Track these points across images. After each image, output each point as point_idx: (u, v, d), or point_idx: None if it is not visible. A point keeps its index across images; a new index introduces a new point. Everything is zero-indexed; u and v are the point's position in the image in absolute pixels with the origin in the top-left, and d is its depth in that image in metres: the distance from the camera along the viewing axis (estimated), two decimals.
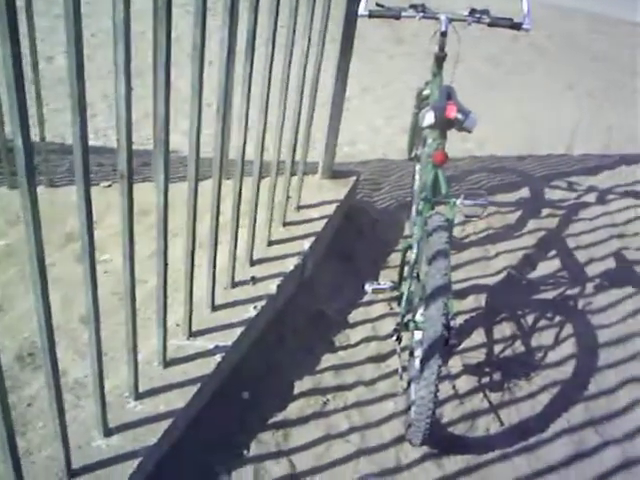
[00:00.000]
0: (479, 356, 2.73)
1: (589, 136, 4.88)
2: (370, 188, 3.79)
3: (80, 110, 1.38)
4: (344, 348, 2.67)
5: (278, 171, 2.71)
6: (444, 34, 2.79)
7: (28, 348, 2.28)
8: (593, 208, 3.89)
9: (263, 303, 2.49)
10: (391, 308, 2.89)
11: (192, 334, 2.26)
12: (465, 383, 2.60)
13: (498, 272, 3.25)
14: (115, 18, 1.41)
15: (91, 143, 3.68)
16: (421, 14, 2.82)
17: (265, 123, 2.38)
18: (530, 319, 2.98)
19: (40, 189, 3.01)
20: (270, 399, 2.37)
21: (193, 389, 2.06)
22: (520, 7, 2.78)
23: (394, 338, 2.42)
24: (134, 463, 1.82)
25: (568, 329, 2.95)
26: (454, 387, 2.58)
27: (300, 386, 2.45)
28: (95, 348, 1.73)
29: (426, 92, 3.09)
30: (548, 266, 3.35)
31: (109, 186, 3.10)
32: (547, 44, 6.62)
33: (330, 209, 3.12)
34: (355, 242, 3.29)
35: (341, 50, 3.07)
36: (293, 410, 2.35)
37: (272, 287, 2.58)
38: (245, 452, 2.17)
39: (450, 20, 2.78)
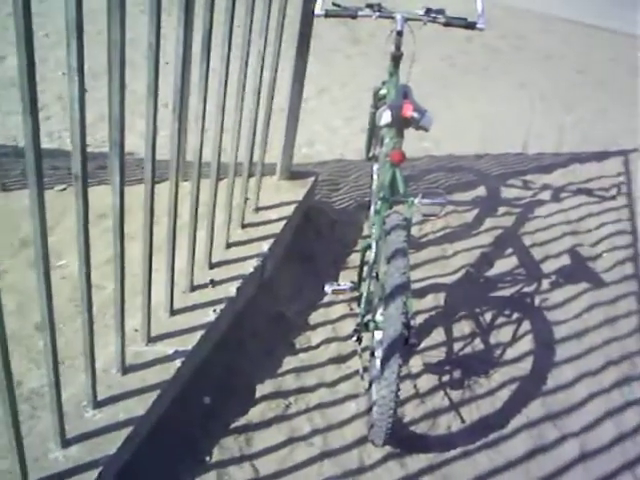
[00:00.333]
0: (439, 355, 2.75)
1: (543, 135, 4.95)
2: (329, 189, 3.79)
3: (31, 111, 1.34)
4: (305, 350, 2.66)
5: (236, 172, 2.69)
6: (400, 33, 2.81)
7: None
8: (548, 206, 3.95)
9: (222, 306, 2.47)
10: (351, 309, 2.89)
11: (151, 339, 2.23)
12: (426, 382, 2.62)
13: (456, 271, 3.28)
14: (67, 17, 1.38)
15: (45, 146, 3.65)
16: (377, 13, 2.82)
17: (222, 124, 2.36)
18: (488, 316, 3.01)
19: None
20: (232, 403, 2.35)
21: (153, 395, 2.03)
22: (474, 7, 2.80)
23: (354, 339, 2.43)
24: (93, 474, 1.79)
25: (525, 325, 2.99)
26: (415, 386, 2.59)
27: (262, 389, 2.44)
28: (51, 356, 1.69)
29: (383, 91, 3.10)
30: (505, 264, 3.40)
31: (64, 189, 3.04)
32: (500, 44, 6.70)
33: (289, 210, 3.11)
34: (314, 243, 3.29)
35: (298, 50, 3.06)
36: (255, 414, 2.34)
37: (231, 290, 2.56)
38: (208, 458, 2.15)
39: (406, 19, 2.79)
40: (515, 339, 2.91)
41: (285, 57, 2.97)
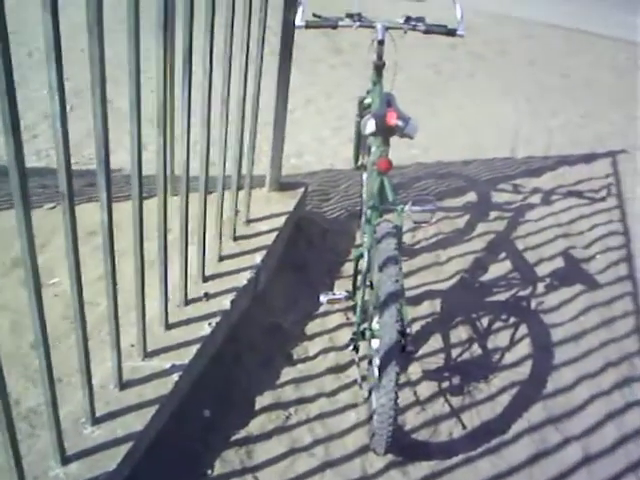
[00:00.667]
0: (438, 361, 2.74)
1: (530, 139, 4.98)
2: (319, 199, 3.78)
3: (13, 130, 1.33)
4: (303, 361, 2.64)
5: (225, 185, 2.68)
6: (381, 42, 2.81)
7: None
8: (539, 209, 3.96)
9: (217, 319, 2.45)
10: (347, 318, 2.87)
11: (147, 354, 2.21)
12: (425, 389, 2.60)
13: (451, 277, 3.27)
14: (45, 36, 1.36)
15: (33, 165, 3.64)
16: (357, 23, 2.83)
17: (208, 137, 2.35)
18: (485, 321, 3.00)
19: None
20: (231, 416, 2.33)
21: (151, 410, 2.01)
22: (454, 15, 2.81)
23: (350, 348, 2.41)
24: None
25: (523, 329, 2.98)
26: (415, 394, 2.57)
27: (261, 401, 2.41)
28: (46, 374, 1.67)
29: (368, 101, 3.10)
30: (499, 268, 3.39)
31: (53, 208, 3.02)
32: (484, 51, 6.74)
33: (280, 221, 3.10)
34: (307, 253, 3.27)
35: (280, 61, 3.06)
36: (255, 426, 2.31)
37: (226, 303, 2.54)
38: (209, 471, 2.12)
39: (386, 28, 2.80)
40: (513, 343, 2.90)
41: (269, 69, 2.97)
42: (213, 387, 2.41)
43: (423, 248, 3.46)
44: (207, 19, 2.16)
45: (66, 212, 1.60)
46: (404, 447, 2.33)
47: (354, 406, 2.47)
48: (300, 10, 2.79)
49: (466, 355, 2.80)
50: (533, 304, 3.16)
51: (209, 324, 2.41)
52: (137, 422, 1.97)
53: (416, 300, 3.04)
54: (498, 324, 3.00)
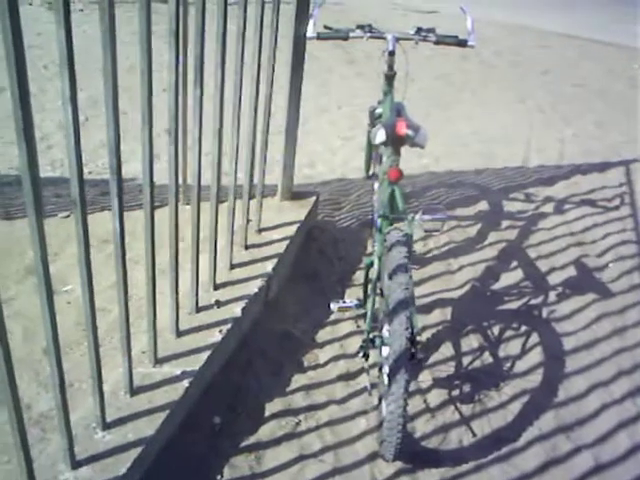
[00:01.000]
0: (448, 369, 2.74)
1: (543, 148, 4.97)
2: (331, 208, 3.80)
3: (27, 139, 1.35)
4: (313, 368, 2.65)
5: (236, 194, 2.70)
6: (392, 53, 2.83)
7: None
8: (551, 218, 3.95)
9: (228, 326, 2.46)
10: (358, 326, 2.88)
11: (158, 361, 2.23)
12: (436, 397, 2.60)
13: (462, 285, 3.27)
14: (59, 47, 1.40)
15: (48, 174, 3.69)
16: (368, 34, 2.85)
17: (220, 147, 2.37)
18: (496, 330, 3.00)
19: None
20: (241, 422, 2.34)
21: (162, 416, 2.02)
22: (465, 25, 2.83)
23: (360, 355, 2.42)
24: None
25: (534, 338, 2.97)
26: (425, 401, 2.57)
27: (271, 408, 2.42)
28: (58, 380, 1.69)
29: (379, 110, 3.12)
30: (511, 277, 3.39)
31: (67, 216, 3.05)
32: (496, 61, 6.75)
33: (291, 230, 3.12)
34: (319, 262, 3.29)
35: (292, 72, 3.09)
36: (265, 432, 2.32)
37: (237, 310, 2.55)
38: (219, 477, 2.13)
39: (397, 39, 2.82)
40: (524, 352, 2.89)
41: (282, 79, 3.00)
42: (223, 394, 2.43)
43: (434, 257, 3.47)
44: (219, 29, 2.19)
45: (78, 219, 1.62)
46: (414, 454, 2.33)
47: (364, 413, 2.47)
48: (312, 22, 2.82)
49: (477, 363, 2.79)
50: (545, 313, 3.15)
51: (220, 331, 2.43)
52: (147, 427, 1.98)
53: (427, 308, 3.05)
54: (509, 332, 2.99)
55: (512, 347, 2.91)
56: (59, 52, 1.41)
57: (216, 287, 2.65)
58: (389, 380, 2.13)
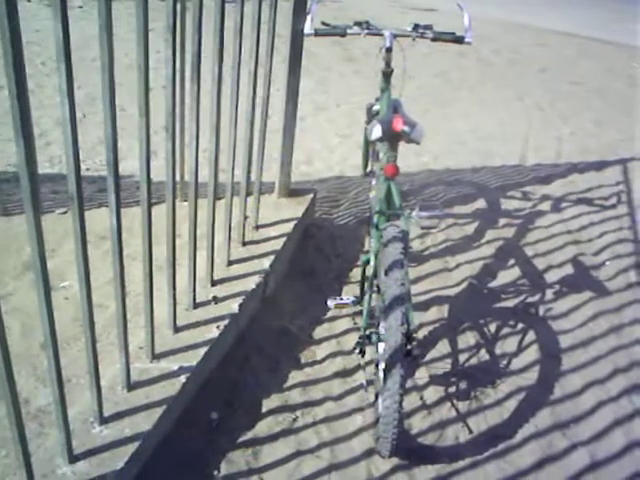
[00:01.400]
0: (445, 366, 2.74)
1: (540, 147, 4.98)
2: (329, 205, 3.81)
3: (25, 136, 1.36)
4: (310, 364, 2.66)
5: (234, 191, 2.71)
6: (389, 50, 2.84)
7: None
8: (548, 216, 3.97)
9: (226, 322, 2.47)
10: (355, 323, 2.89)
11: (155, 356, 2.23)
12: (432, 393, 2.61)
13: (459, 283, 3.28)
14: (56, 42, 1.40)
15: (46, 171, 3.70)
16: (366, 31, 2.86)
17: (217, 143, 2.38)
18: (493, 327, 3.01)
19: None
20: (239, 418, 2.35)
21: (159, 411, 2.03)
22: (462, 23, 2.84)
23: (357, 351, 2.42)
24: None
25: (531, 335, 2.98)
26: (422, 398, 2.58)
27: (268, 404, 2.43)
28: (55, 375, 1.69)
29: (376, 107, 3.12)
30: (508, 275, 3.40)
31: (65, 212, 3.06)
32: (494, 59, 6.76)
33: (289, 227, 3.12)
34: (316, 259, 3.30)
35: (290, 68, 3.10)
36: (262, 428, 2.32)
37: (234, 306, 2.56)
38: (216, 472, 2.13)
39: (394, 36, 2.82)
40: (521, 349, 2.90)
41: (279, 76, 3.00)
42: (221, 389, 2.43)
43: (432, 254, 3.47)
44: (216, 25, 2.20)
45: (75, 215, 1.63)
46: (410, 450, 2.33)
47: (360, 410, 2.48)
48: (309, 18, 2.82)
49: (473, 360, 2.80)
50: (541, 310, 3.16)
51: (217, 327, 2.43)
52: (145, 422, 1.99)
53: (424, 305, 3.06)
54: (506, 330, 3.00)
55: (508, 344, 2.91)
56: (55, 46, 1.41)
57: (213, 283, 2.66)
58: (385, 376, 2.13)
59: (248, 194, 2.92)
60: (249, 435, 2.29)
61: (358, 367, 2.66)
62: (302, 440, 2.32)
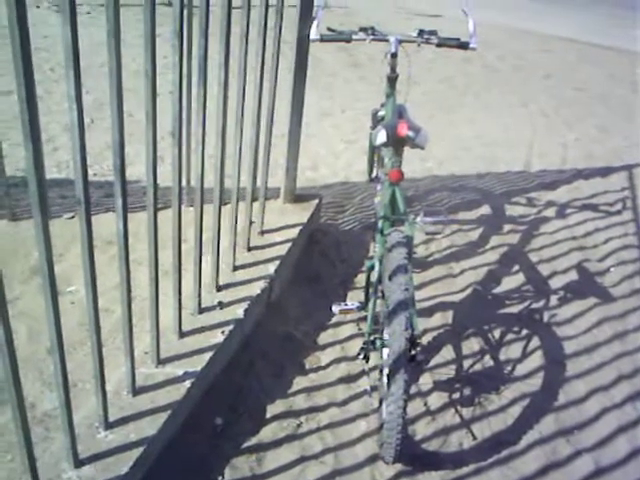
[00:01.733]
0: (449, 372, 2.75)
1: (545, 153, 4.98)
2: (334, 211, 3.82)
3: (34, 140, 1.37)
4: (315, 370, 2.66)
5: (239, 197, 2.72)
6: (394, 55, 2.85)
7: None
8: (553, 222, 3.97)
9: (231, 328, 2.48)
10: (359, 328, 2.89)
11: (161, 361, 2.24)
12: (436, 399, 2.61)
13: (463, 289, 3.29)
14: (65, 47, 1.41)
15: (54, 176, 3.71)
16: (371, 36, 2.87)
17: (223, 149, 2.39)
18: (497, 333, 3.01)
19: (3, 223, 3.00)
20: (243, 423, 2.35)
21: (164, 416, 2.04)
22: (466, 28, 2.84)
23: (361, 357, 2.43)
24: None
25: (535, 342, 2.98)
26: (426, 404, 2.58)
27: (272, 409, 2.43)
28: (61, 379, 1.71)
29: (381, 113, 3.14)
30: (512, 281, 3.40)
31: (72, 217, 3.07)
32: (499, 65, 6.77)
33: (294, 232, 3.13)
34: (321, 264, 3.30)
35: (295, 74, 3.11)
36: (266, 434, 2.33)
37: (239, 312, 2.57)
38: (220, 478, 2.14)
39: (400, 41, 2.83)
40: (525, 355, 2.90)
41: (285, 83, 3.02)
42: (225, 395, 2.44)
43: (436, 260, 3.48)
44: (222, 31, 2.21)
45: (83, 219, 1.64)
46: (414, 457, 2.34)
47: (365, 415, 2.49)
48: (315, 24, 2.83)
49: (477, 366, 2.80)
50: (546, 316, 3.16)
51: (222, 332, 2.44)
52: (150, 427, 2.00)
53: (429, 311, 3.06)
54: (510, 336, 3.00)
55: (513, 351, 2.92)
56: (64, 51, 1.42)
57: (219, 288, 2.67)
58: (389, 381, 2.14)
59: (254, 199, 2.93)
60: (253, 440, 2.30)
61: (362, 373, 2.66)
62: (306, 446, 2.32)
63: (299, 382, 2.59)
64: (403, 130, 2.41)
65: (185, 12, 2.05)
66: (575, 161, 4.86)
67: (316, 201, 3.44)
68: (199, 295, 2.49)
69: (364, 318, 2.72)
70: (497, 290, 3.31)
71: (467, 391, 2.67)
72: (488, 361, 2.84)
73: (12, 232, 2.97)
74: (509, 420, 2.56)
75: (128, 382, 2.08)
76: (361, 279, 3.16)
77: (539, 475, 2.37)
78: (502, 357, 2.87)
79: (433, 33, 2.85)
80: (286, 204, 3.38)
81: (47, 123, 4.22)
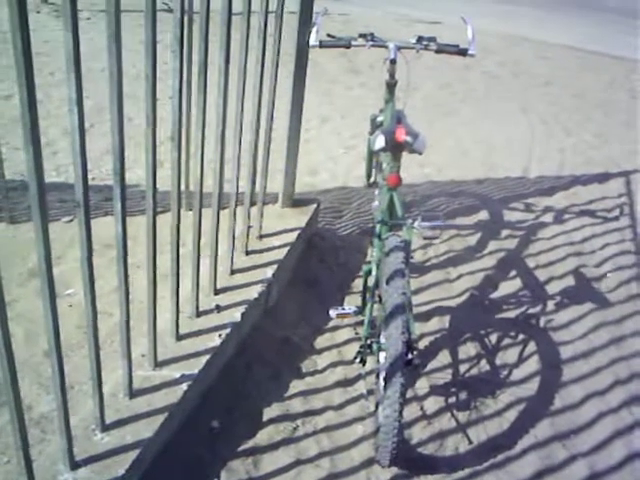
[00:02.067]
0: (445, 376, 2.76)
1: (544, 159, 5.00)
2: (332, 216, 3.83)
3: (34, 143, 1.38)
4: (311, 374, 2.67)
5: (238, 201, 2.73)
6: (393, 61, 2.86)
7: None
8: (551, 228, 3.98)
9: (228, 331, 2.49)
10: (356, 333, 2.90)
11: (158, 364, 2.25)
12: (433, 404, 2.62)
13: (460, 294, 3.30)
14: (66, 51, 1.43)
15: (53, 180, 3.73)
16: (370, 43, 2.88)
17: (222, 153, 2.40)
18: (494, 338, 3.02)
19: (1, 226, 3.02)
20: (239, 427, 2.36)
21: (160, 418, 2.05)
22: (466, 35, 2.86)
23: (357, 361, 2.44)
24: None
25: (531, 347, 2.99)
26: (422, 408, 2.59)
27: (269, 413, 2.44)
28: (58, 381, 1.72)
29: (380, 119, 3.15)
30: (509, 286, 3.41)
31: (71, 221, 3.09)
32: (499, 71, 6.79)
33: (292, 237, 3.14)
34: (319, 269, 3.31)
35: (294, 80, 3.13)
36: (263, 437, 2.34)
37: (236, 315, 2.58)
38: None
39: (398, 48, 2.85)
40: (521, 360, 2.91)
41: (283, 87, 3.03)
42: (222, 398, 2.45)
43: (434, 265, 3.49)
44: (222, 37, 2.23)
45: (81, 222, 1.65)
46: (410, 460, 2.34)
47: (361, 419, 2.49)
48: (314, 30, 2.85)
49: (474, 371, 2.81)
50: (542, 322, 3.17)
51: (219, 336, 2.45)
52: (146, 430, 2.00)
53: (426, 316, 3.07)
54: (507, 341, 3.01)
55: (509, 355, 2.93)
56: (65, 54, 1.43)
57: (216, 292, 2.68)
58: (385, 385, 2.15)
59: (252, 204, 2.94)
60: (250, 443, 2.31)
61: (359, 377, 2.67)
62: (302, 449, 2.33)
63: (296, 385, 2.60)
64: (401, 135, 2.42)
65: (185, 18, 2.06)
66: (573, 167, 4.88)
67: (314, 206, 3.46)
68: (197, 298, 2.50)
69: (361, 322, 2.73)
70: (494, 295, 3.32)
71: (463, 395, 2.68)
72: (484, 366, 2.85)
73: (10, 235, 2.98)
74: (505, 424, 2.57)
75: (125, 385, 2.09)
76: (358, 283, 3.17)
77: (535, 479, 2.38)
78: (498, 362, 2.88)
79: (432, 40, 2.86)
80: (284, 209, 3.39)
81: (46, 127, 4.24)
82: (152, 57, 1.75)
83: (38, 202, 1.47)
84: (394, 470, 2.29)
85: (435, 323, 3.05)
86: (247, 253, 2.96)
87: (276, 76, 2.87)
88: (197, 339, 2.41)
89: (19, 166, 3.54)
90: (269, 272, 2.86)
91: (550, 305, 3.29)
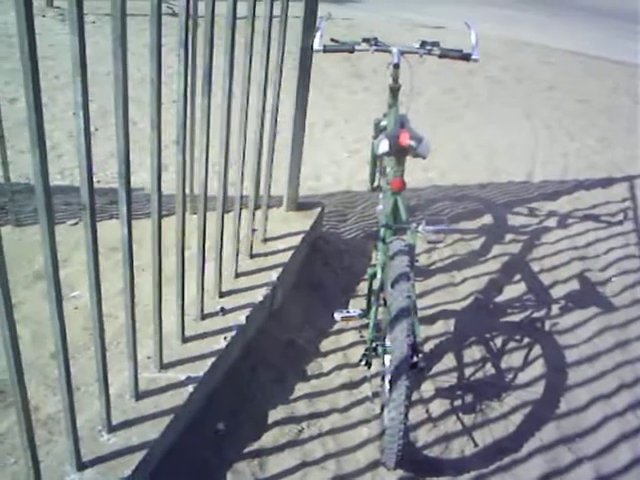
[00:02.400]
0: (451, 379, 2.76)
1: (547, 163, 5.00)
2: (336, 220, 3.83)
3: (39, 147, 1.39)
4: (317, 377, 2.67)
5: (242, 204, 2.74)
6: (397, 66, 2.88)
7: None
8: (555, 232, 3.98)
9: (233, 334, 2.49)
10: (361, 335, 2.91)
11: (163, 366, 2.25)
12: (438, 407, 2.62)
13: (465, 297, 3.30)
14: (72, 55, 1.43)
15: (58, 183, 3.74)
16: (374, 47, 2.89)
17: (227, 157, 2.41)
18: (499, 342, 3.02)
19: (7, 229, 3.02)
20: (245, 429, 2.36)
21: (166, 420, 2.05)
22: (469, 40, 2.87)
23: (363, 363, 2.44)
24: None
25: (536, 350, 2.99)
26: (427, 411, 2.59)
27: (274, 415, 2.44)
28: (65, 383, 1.72)
29: (384, 123, 3.16)
30: (514, 290, 3.41)
31: (76, 224, 3.10)
32: (502, 76, 6.80)
33: (296, 240, 3.15)
34: (323, 272, 3.32)
35: (298, 84, 3.14)
36: (268, 439, 2.34)
37: (241, 318, 2.58)
38: None
39: (402, 52, 2.86)
40: (526, 364, 2.91)
41: (287, 92, 3.04)
42: (227, 400, 2.45)
43: (438, 269, 3.49)
44: (227, 41, 2.24)
45: (87, 225, 1.66)
46: (416, 463, 2.34)
47: (366, 422, 2.49)
48: (318, 34, 2.86)
49: (479, 374, 2.81)
50: (547, 325, 3.17)
51: (224, 338, 2.46)
52: (152, 431, 2.01)
53: (431, 319, 3.07)
54: (512, 344, 3.01)
55: (514, 359, 2.92)
56: (72, 58, 1.44)
57: (221, 295, 2.68)
58: (390, 388, 2.15)
59: (256, 207, 2.95)
60: (255, 446, 2.31)
61: (364, 379, 2.67)
62: (308, 451, 2.33)
63: (301, 388, 2.60)
64: (405, 140, 2.43)
65: (190, 22, 2.07)
66: (577, 172, 4.88)
67: (318, 209, 3.46)
68: (202, 301, 2.51)
69: (366, 325, 2.73)
70: (499, 299, 3.32)
71: (469, 398, 2.68)
72: (490, 369, 2.85)
73: (16, 238, 2.99)
74: (510, 427, 2.57)
75: (131, 386, 2.09)
76: (363, 287, 3.17)
77: None
78: (503, 365, 2.88)
79: (435, 44, 2.87)
80: (289, 212, 3.40)
81: (51, 130, 4.25)
82: (157, 61, 1.76)
83: (44, 205, 1.47)
84: (400, 472, 2.29)
85: (440, 326, 3.05)
86: (252, 256, 2.96)
87: (280, 80, 2.88)
88: (202, 341, 2.42)
89: (24, 169, 3.56)
90: (274, 275, 2.87)
91: (555, 309, 3.29)
